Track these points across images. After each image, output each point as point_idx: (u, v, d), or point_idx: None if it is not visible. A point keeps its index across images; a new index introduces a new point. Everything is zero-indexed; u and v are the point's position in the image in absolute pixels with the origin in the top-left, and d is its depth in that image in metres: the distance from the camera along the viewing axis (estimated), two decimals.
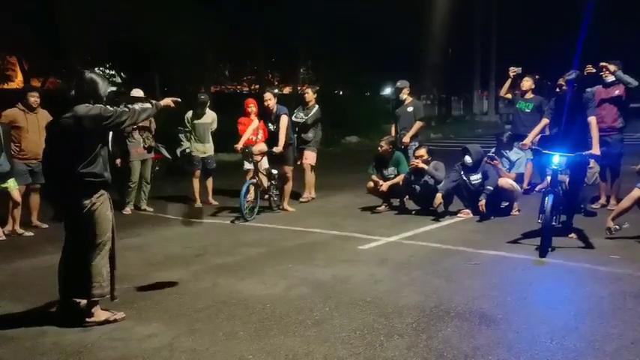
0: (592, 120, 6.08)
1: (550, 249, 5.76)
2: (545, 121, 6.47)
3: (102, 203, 4.15)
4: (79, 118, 4.01)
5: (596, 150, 5.99)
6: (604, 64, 7.65)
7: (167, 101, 4.51)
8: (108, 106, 4.12)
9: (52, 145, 4.17)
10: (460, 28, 28.43)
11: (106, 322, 4.15)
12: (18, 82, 20.43)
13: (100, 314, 4.17)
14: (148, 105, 4.39)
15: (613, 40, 23.47)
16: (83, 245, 4.14)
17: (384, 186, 8.18)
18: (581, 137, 6.04)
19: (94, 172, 4.07)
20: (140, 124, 8.18)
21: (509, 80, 8.94)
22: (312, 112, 9.17)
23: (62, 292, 4.30)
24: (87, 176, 4.04)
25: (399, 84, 9.18)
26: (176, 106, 4.55)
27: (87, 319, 4.14)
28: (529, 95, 8.75)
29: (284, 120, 8.23)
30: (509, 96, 9.15)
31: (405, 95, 9.05)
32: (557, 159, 5.96)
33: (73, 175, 4.03)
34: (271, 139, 8.39)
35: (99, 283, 4.12)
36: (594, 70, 7.68)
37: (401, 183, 8.09)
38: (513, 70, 8.74)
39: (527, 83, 8.79)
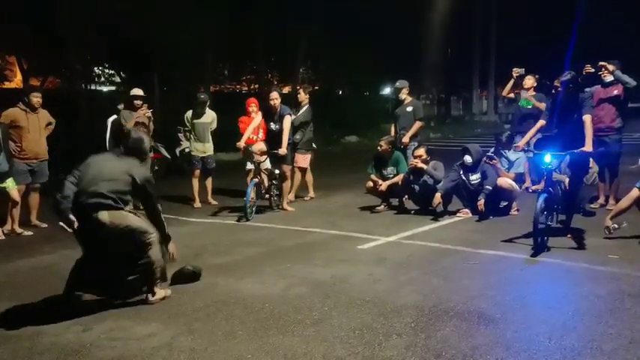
0: (587, 118, 6.08)
1: (546, 249, 5.76)
2: (541, 122, 6.48)
3: (122, 217, 4.42)
4: (132, 172, 4.49)
5: (588, 147, 5.98)
6: (603, 63, 7.65)
7: (173, 250, 4.78)
8: (152, 187, 4.65)
9: (95, 168, 4.50)
10: (459, 27, 28.44)
11: (165, 298, 4.60)
12: (17, 81, 20.43)
13: (159, 292, 4.58)
14: (164, 227, 4.71)
15: (613, 40, 23.50)
16: (129, 253, 4.45)
17: (383, 185, 8.19)
18: (576, 136, 6.03)
19: (115, 198, 4.40)
20: (137, 120, 8.21)
21: (512, 80, 8.97)
22: (299, 113, 8.97)
23: (69, 289, 4.43)
24: (109, 198, 4.37)
25: (398, 84, 9.17)
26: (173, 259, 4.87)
27: (150, 297, 4.53)
28: (531, 92, 8.79)
29: (287, 120, 8.16)
30: (511, 96, 9.18)
31: (404, 95, 9.04)
32: (548, 158, 5.97)
33: (100, 194, 4.35)
34: (273, 138, 8.32)
35: (158, 270, 4.52)
36: (593, 70, 7.68)
37: (400, 183, 8.10)
38: (516, 71, 8.77)
39: (529, 81, 8.87)
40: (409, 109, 8.94)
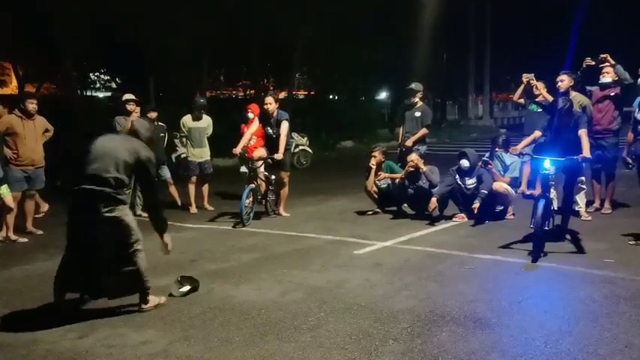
0: (582, 132, 6.14)
1: (542, 254, 5.78)
2: (537, 133, 6.52)
3: (122, 211, 4.40)
4: (136, 150, 4.49)
5: (586, 154, 6.01)
6: (604, 55, 7.57)
7: (168, 241, 4.77)
8: (153, 168, 4.68)
9: (98, 156, 4.43)
10: (455, 32, 28.57)
11: (158, 305, 4.57)
12: (12, 87, 20.41)
13: (152, 299, 4.56)
14: (161, 212, 4.78)
15: (610, 42, 23.56)
16: (116, 252, 4.38)
17: (375, 159, 8.22)
18: (573, 144, 6.07)
19: (115, 178, 4.36)
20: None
21: (523, 85, 8.97)
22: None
23: (58, 294, 4.40)
24: (109, 180, 4.33)
25: (413, 86, 8.92)
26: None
27: (143, 306, 4.51)
28: (540, 98, 8.80)
29: (285, 126, 8.06)
30: (521, 101, 9.18)
31: (417, 98, 8.93)
32: (547, 163, 5.99)
33: (104, 184, 4.31)
34: (270, 144, 8.24)
35: (147, 278, 4.48)
36: (593, 63, 7.65)
37: (397, 181, 8.14)
38: (526, 77, 8.77)
39: (539, 86, 8.86)
40: (417, 114, 8.80)
